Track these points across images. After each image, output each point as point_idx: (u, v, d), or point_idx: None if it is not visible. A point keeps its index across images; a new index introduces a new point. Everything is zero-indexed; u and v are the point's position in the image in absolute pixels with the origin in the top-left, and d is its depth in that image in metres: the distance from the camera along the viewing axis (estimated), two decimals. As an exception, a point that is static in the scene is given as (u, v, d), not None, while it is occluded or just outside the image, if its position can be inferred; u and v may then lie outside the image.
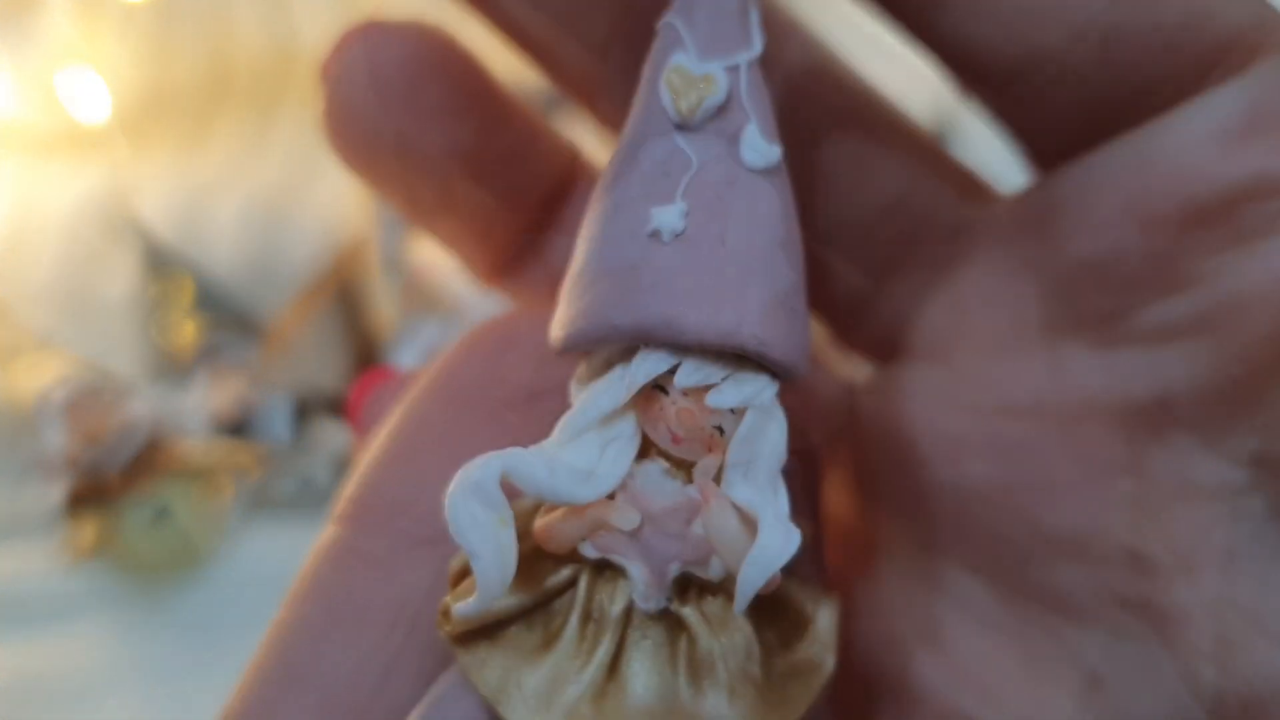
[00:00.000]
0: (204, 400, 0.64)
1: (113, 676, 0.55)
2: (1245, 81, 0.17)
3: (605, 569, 0.15)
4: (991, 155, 0.22)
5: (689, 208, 0.14)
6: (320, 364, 0.64)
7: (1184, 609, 0.17)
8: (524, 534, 0.15)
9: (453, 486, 0.14)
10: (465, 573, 0.15)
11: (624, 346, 0.15)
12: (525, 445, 0.15)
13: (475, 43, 0.19)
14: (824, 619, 0.16)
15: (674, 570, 0.15)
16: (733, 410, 0.14)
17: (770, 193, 0.15)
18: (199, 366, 0.66)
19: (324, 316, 0.65)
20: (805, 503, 0.20)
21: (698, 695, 0.15)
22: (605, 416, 0.15)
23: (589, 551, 0.15)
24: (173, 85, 0.75)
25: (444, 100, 0.19)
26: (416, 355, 0.64)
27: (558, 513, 0.15)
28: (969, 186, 0.20)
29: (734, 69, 0.15)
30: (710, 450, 0.15)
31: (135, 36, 0.72)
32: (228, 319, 0.68)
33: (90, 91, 0.71)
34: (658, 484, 0.15)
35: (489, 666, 0.15)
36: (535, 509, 0.16)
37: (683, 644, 0.15)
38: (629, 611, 0.15)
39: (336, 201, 0.70)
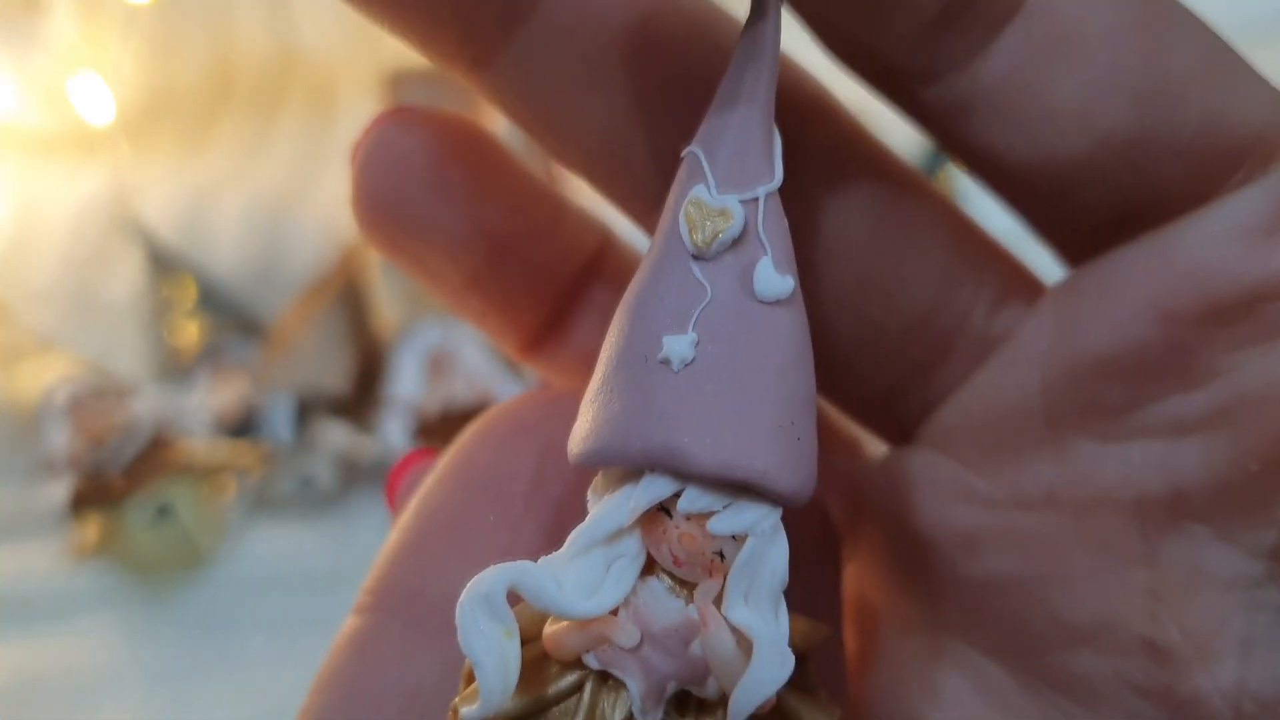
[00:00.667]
0: (206, 400, 0.64)
1: (116, 675, 0.55)
2: (1267, 181, 0.17)
3: (609, 677, 0.16)
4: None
5: (700, 338, 0.15)
6: (322, 364, 0.64)
7: (1202, 698, 0.17)
8: (536, 636, 0.16)
9: (463, 596, 0.15)
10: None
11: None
12: (529, 536, 0.16)
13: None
14: None
15: (671, 688, 0.15)
16: (734, 536, 0.15)
17: (782, 324, 0.15)
18: (201, 367, 0.66)
19: (326, 317, 0.65)
20: (826, 596, 0.21)
21: None
22: (610, 535, 0.15)
23: (592, 662, 0.16)
24: (175, 87, 0.76)
25: (470, 185, 0.19)
26: (418, 356, 0.64)
27: (564, 624, 0.16)
28: (1005, 288, 0.20)
29: (752, 201, 0.15)
30: (711, 574, 0.15)
31: (138, 39, 0.73)
32: (230, 319, 0.69)
33: (93, 93, 0.72)
34: (660, 601, 0.16)
35: None
36: (546, 614, 0.16)
37: None
38: None
39: (339, 202, 0.70)
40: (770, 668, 0.14)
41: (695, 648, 0.15)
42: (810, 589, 0.20)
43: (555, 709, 0.16)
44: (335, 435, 0.63)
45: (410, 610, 0.18)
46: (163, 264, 0.70)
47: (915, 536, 0.20)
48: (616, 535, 0.15)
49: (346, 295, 0.65)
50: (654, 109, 0.18)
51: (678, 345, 0.15)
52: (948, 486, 0.20)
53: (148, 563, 0.59)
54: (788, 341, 0.15)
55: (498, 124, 0.45)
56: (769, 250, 0.15)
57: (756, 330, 0.15)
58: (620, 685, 0.16)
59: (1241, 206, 0.17)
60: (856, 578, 0.22)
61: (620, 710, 0.16)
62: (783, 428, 0.15)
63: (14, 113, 0.74)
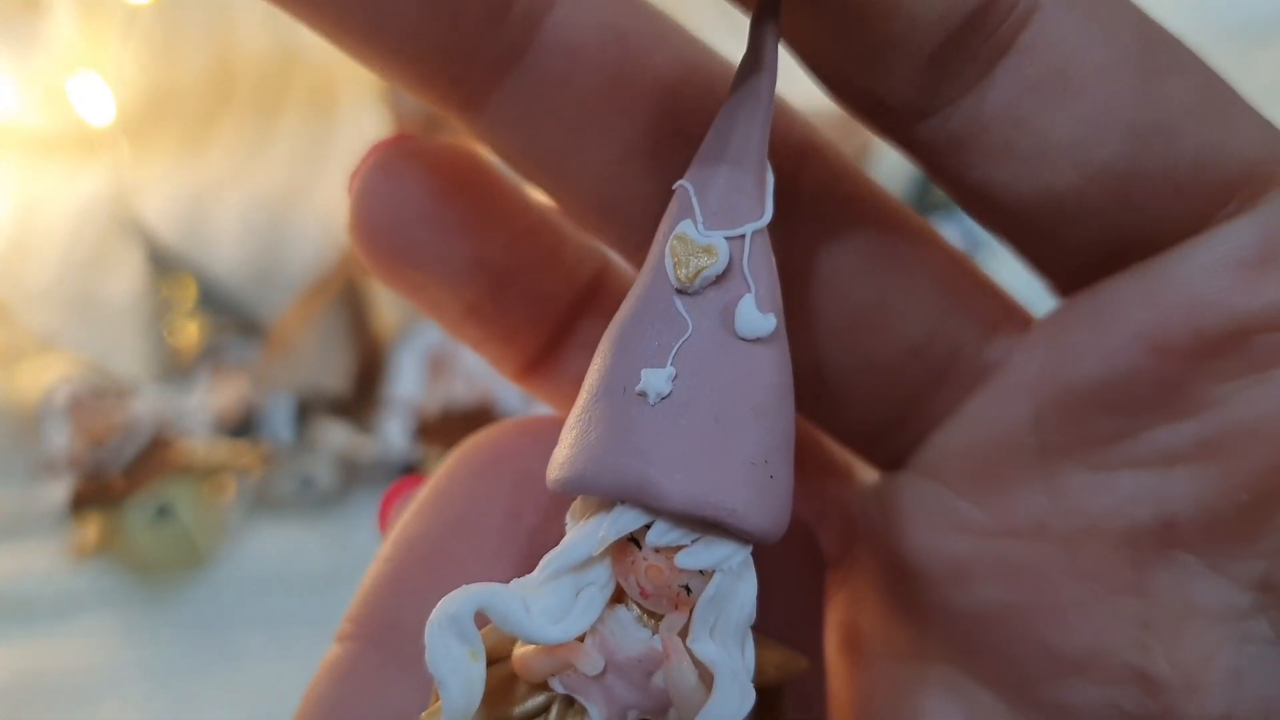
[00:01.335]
0: (206, 400, 0.64)
1: (116, 674, 0.56)
2: (1258, 213, 0.17)
3: (575, 701, 0.16)
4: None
5: (678, 372, 0.15)
6: (322, 365, 0.64)
7: None
8: (506, 656, 0.16)
9: (432, 616, 0.15)
10: None
11: None
12: (505, 566, 0.16)
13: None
14: None
15: (632, 717, 0.16)
16: (701, 571, 0.15)
17: (761, 362, 0.15)
18: (201, 367, 0.66)
19: (326, 317, 0.65)
20: (807, 626, 0.21)
21: None
22: (580, 563, 0.15)
23: (557, 686, 0.16)
24: (176, 87, 0.76)
25: (469, 215, 0.19)
26: (418, 357, 0.64)
27: (532, 647, 0.16)
28: (995, 319, 0.20)
29: (738, 239, 0.15)
30: (678, 607, 0.15)
31: (138, 39, 0.73)
32: (230, 320, 0.69)
33: (93, 93, 0.72)
34: (627, 631, 0.16)
35: None
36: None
37: None
38: None
39: (339, 203, 0.70)
40: (729, 702, 0.14)
41: (658, 679, 0.15)
42: (791, 619, 0.20)
43: None
44: (335, 435, 0.63)
45: (388, 640, 0.18)
46: (163, 264, 0.70)
47: (906, 564, 0.20)
48: (586, 563, 0.15)
49: (346, 295, 0.65)
50: (645, 151, 0.18)
51: (655, 379, 0.15)
52: (939, 514, 0.20)
53: (148, 563, 0.59)
54: (767, 380, 0.15)
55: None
56: (753, 288, 0.15)
57: (735, 367, 0.15)
58: (585, 709, 0.16)
59: (1231, 238, 0.17)
60: (846, 607, 0.22)
61: None
62: (756, 466, 0.15)
63: (14, 113, 0.74)
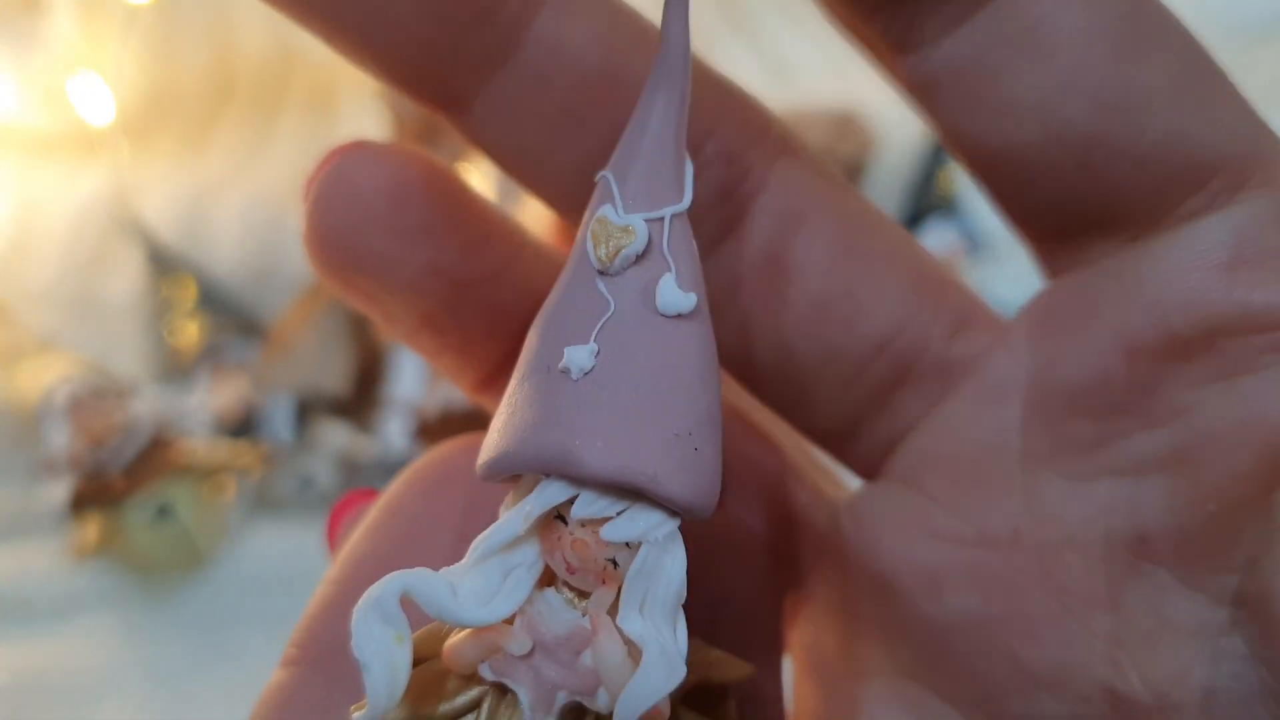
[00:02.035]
0: (206, 400, 0.64)
1: (116, 674, 0.56)
2: (1230, 214, 0.17)
3: (507, 692, 0.16)
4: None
5: (600, 348, 0.15)
6: (322, 365, 0.64)
7: None
8: (437, 655, 0.16)
9: (359, 602, 0.15)
10: None
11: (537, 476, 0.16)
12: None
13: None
14: None
15: (561, 699, 0.15)
16: (629, 545, 0.15)
17: (684, 338, 0.15)
18: (201, 367, 0.66)
19: (326, 317, 0.65)
20: (765, 642, 0.20)
21: None
22: (507, 544, 0.15)
23: (486, 673, 0.16)
24: (176, 87, 0.76)
25: (425, 222, 0.19)
26: (417, 357, 0.64)
27: (461, 634, 0.16)
28: (964, 318, 0.20)
29: (658, 221, 0.16)
30: (604, 582, 0.15)
31: (138, 39, 0.73)
32: (230, 320, 0.69)
33: (94, 94, 0.72)
34: (555, 612, 0.16)
35: None
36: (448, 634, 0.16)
37: None
38: None
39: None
40: (656, 676, 0.14)
41: (586, 658, 0.15)
42: (749, 639, 0.19)
43: None
44: (335, 435, 0.63)
45: (333, 665, 0.18)
46: (163, 264, 0.70)
47: (878, 575, 0.20)
48: (513, 544, 0.15)
49: (346, 295, 0.65)
50: None
51: (578, 355, 0.15)
52: (913, 522, 0.20)
53: (148, 563, 0.59)
54: (689, 355, 0.16)
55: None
56: (673, 267, 0.16)
57: (657, 343, 0.15)
58: (516, 699, 0.16)
59: (1203, 238, 0.17)
60: (810, 626, 0.22)
61: None
62: (680, 437, 0.15)
63: (14, 113, 0.74)
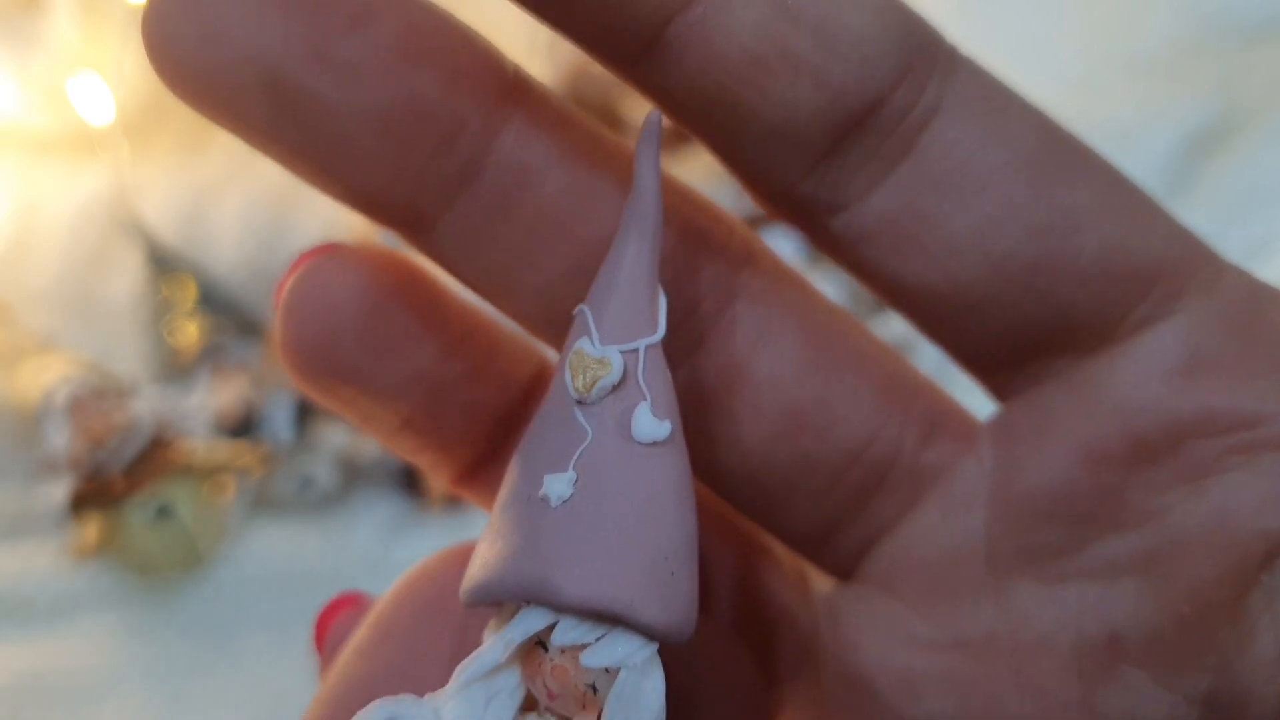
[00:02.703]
0: (206, 400, 0.64)
1: (115, 674, 0.56)
2: (1177, 321, 0.18)
3: None
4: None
5: (579, 476, 0.16)
6: (322, 364, 0.64)
7: None
8: None
9: None
10: None
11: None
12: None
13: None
14: None
15: None
16: (607, 670, 0.15)
17: (658, 465, 0.16)
18: (202, 367, 0.66)
19: (326, 317, 0.65)
20: None
21: None
22: (489, 670, 0.16)
23: None
24: (176, 87, 0.76)
25: (402, 329, 0.19)
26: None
27: None
28: (934, 422, 0.20)
29: (632, 352, 0.16)
30: (584, 708, 0.16)
31: (138, 39, 0.73)
32: (231, 320, 0.69)
33: (94, 93, 0.72)
34: None
35: None
36: None
37: None
38: None
39: (339, 203, 0.70)
40: None
41: None
42: None
43: None
44: (335, 435, 0.63)
45: None
46: (163, 264, 0.70)
47: (855, 678, 0.20)
48: (495, 670, 0.16)
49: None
50: (594, 265, 0.18)
51: (556, 484, 0.16)
52: (888, 627, 0.20)
53: (148, 563, 0.59)
54: (665, 482, 0.16)
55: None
56: (648, 396, 0.16)
57: (634, 470, 0.16)
58: None
59: (1156, 346, 0.18)
60: None
61: None
62: (656, 564, 0.15)
63: (14, 113, 0.74)
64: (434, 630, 0.19)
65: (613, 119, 0.68)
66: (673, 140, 0.22)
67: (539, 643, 0.16)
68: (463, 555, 0.19)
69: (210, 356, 0.67)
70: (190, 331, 0.68)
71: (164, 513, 0.58)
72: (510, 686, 0.16)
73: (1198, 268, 0.18)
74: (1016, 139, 0.17)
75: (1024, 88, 0.18)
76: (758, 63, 0.16)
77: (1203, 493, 0.17)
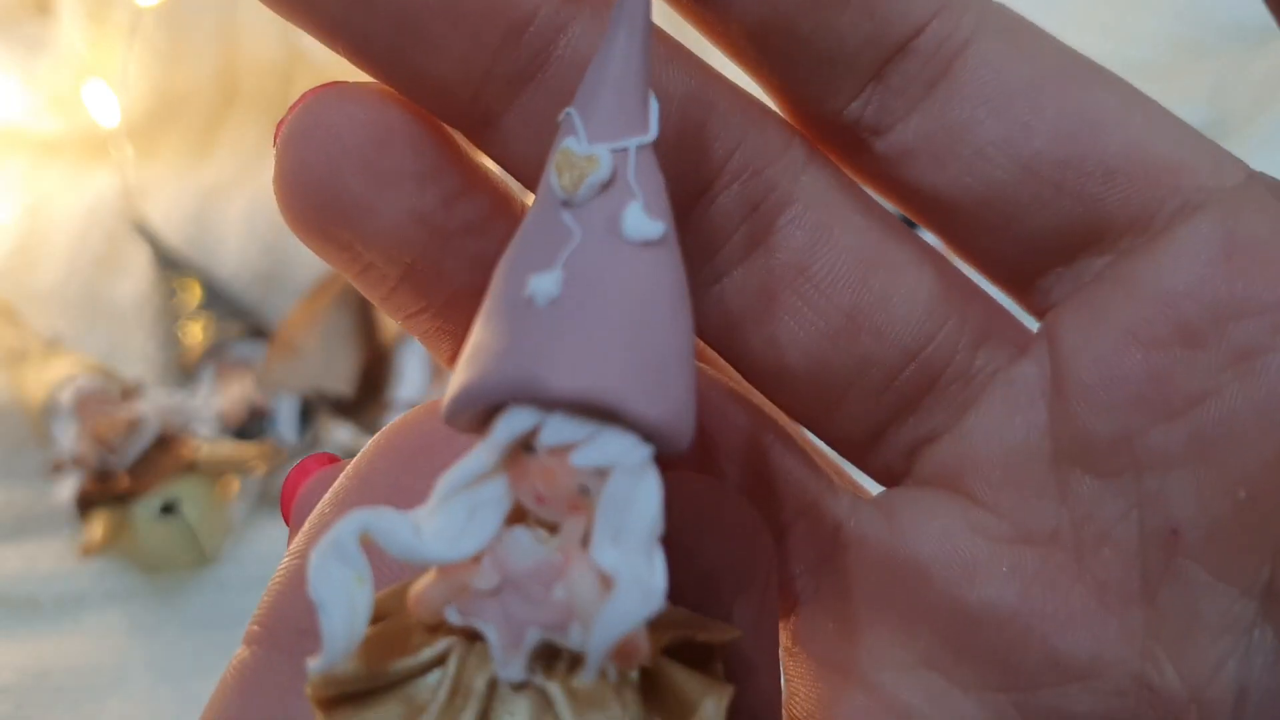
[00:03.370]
0: (212, 401, 0.65)
1: (122, 671, 0.56)
2: (1212, 211, 0.18)
3: (477, 641, 0.15)
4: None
5: (566, 276, 0.15)
6: (327, 366, 0.65)
7: None
8: (402, 609, 0.15)
9: (316, 544, 0.14)
10: None
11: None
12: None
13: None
14: (710, 707, 0.15)
15: (532, 636, 0.15)
16: (600, 473, 0.14)
17: (650, 265, 0.15)
18: (207, 368, 0.67)
19: (331, 319, 0.65)
20: (763, 625, 0.20)
21: None
22: (474, 479, 0.15)
23: (453, 617, 0.15)
24: (182, 91, 0.76)
25: (406, 167, 0.18)
26: (422, 358, 0.64)
27: (426, 576, 0.15)
28: (987, 328, 0.21)
29: (622, 151, 0.16)
30: (575, 510, 0.15)
31: (145, 43, 0.73)
32: (236, 321, 0.69)
33: (100, 97, 0.72)
34: (524, 548, 0.15)
35: None
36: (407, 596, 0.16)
37: None
38: (494, 684, 0.15)
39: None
40: (630, 601, 0.14)
41: (558, 591, 0.15)
42: (740, 605, 0.19)
43: (418, 682, 0.15)
44: (340, 436, 0.63)
45: (298, 645, 0.17)
46: (169, 266, 0.70)
47: (908, 565, 0.20)
48: (479, 479, 0.15)
49: (351, 297, 0.66)
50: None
51: (543, 282, 0.15)
52: (949, 519, 0.20)
53: (154, 561, 0.59)
54: (658, 284, 0.15)
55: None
56: (639, 196, 0.15)
57: (625, 270, 0.15)
58: (486, 648, 0.15)
59: (1192, 235, 0.18)
60: (815, 610, 0.22)
61: (485, 673, 0.15)
62: (650, 362, 0.14)
63: (22, 116, 0.75)
64: (415, 477, 0.17)
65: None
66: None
67: (526, 448, 0.15)
68: (438, 411, 0.19)
69: (216, 357, 0.67)
70: (196, 332, 0.69)
71: (170, 511, 0.58)
72: (496, 496, 0.15)
73: (1221, 164, 0.19)
74: (1043, 57, 0.19)
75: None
76: None
77: (1251, 373, 0.17)
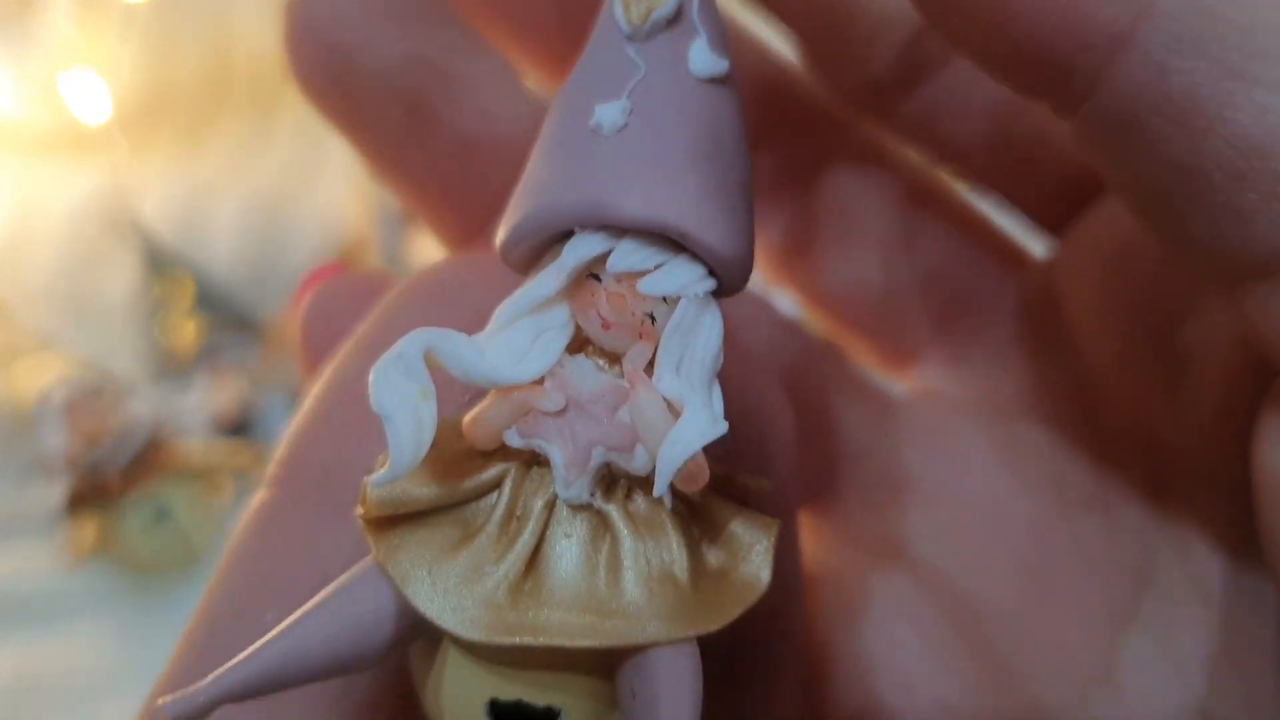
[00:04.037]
0: (204, 400, 0.64)
1: (112, 675, 0.56)
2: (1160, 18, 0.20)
3: (533, 466, 0.15)
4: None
5: (632, 106, 0.15)
6: (319, 364, 0.64)
7: None
8: (457, 437, 0.15)
9: (378, 360, 0.14)
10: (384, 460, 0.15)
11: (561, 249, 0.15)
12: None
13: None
14: (761, 541, 0.16)
15: (597, 456, 0.15)
16: (666, 301, 0.15)
17: (715, 100, 0.15)
18: (199, 366, 0.66)
19: (323, 317, 0.65)
20: (790, 561, 0.20)
21: (615, 591, 0.15)
22: (539, 304, 0.15)
23: (513, 439, 0.15)
24: (173, 86, 0.76)
25: (409, 8, 0.19)
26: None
27: (486, 399, 0.15)
28: (1005, 253, 0.22)
29: None
30: (641, 337, 0.15)
31: (136, 37, 0.73)
32: (228, 319, 0.69)
33: (91, 92, 0.72)
34: (587, 374, 0.15)
35: (402, 552, 0.15)
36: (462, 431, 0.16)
37: (606, 542, 0.15)
38: (552, 505, 0.15)
39: (336, 201, 0.70)
40: (699, 424, 0.14)
41: (623, 414, 0.15)
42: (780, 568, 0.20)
43: (473, 505, 0.15)
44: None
45: (320, 487, 0.17)
46: (160, 263, 0.70)
47: (939, 453, 0.22)
48: (544, 304, 0.15)
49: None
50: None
51: (610, 112, 0.15)
52: (984, 435, 0.22)
53: (144, 563, 0.59)
54: (722, 118, 0.15)
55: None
56: (703, 33, 0.15)
57: (691, 103, 0.15)
58: (545, 472, 0.15)
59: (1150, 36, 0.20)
60: (848, 501, 0.23)
61: (543, 495, 0.15)
62: (718, 195, 0.15)
63: (11, 111, 0.74)
64: (446, 322, 0.17)
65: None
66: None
67: (591, 275, 0.15)
68: (473, 260, 0.19)
69: (207, 356, 0.67)
70: (187, 331, 0.68)
71: (161, 513, 0.58)
72: (560, 322, 0.15)
73: None
74: None
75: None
76: None
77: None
